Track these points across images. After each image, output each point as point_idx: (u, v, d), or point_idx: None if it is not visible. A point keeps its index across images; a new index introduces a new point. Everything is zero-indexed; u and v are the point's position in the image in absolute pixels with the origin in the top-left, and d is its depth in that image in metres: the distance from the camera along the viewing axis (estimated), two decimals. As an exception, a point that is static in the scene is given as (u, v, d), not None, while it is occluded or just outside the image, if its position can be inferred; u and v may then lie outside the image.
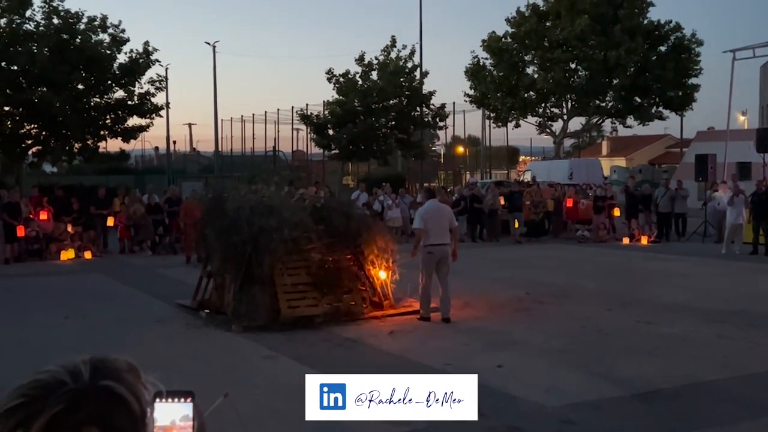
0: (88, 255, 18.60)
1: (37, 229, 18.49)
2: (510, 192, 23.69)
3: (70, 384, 1.11)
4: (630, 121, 40.21)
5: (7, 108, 26.84)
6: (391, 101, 35.85)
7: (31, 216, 18.51)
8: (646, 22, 37.82)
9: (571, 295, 12.56)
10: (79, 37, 27.43)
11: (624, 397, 6.94)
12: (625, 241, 21.31)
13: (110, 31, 28.28)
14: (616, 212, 22.96)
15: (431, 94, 37.11)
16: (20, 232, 17.91)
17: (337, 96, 36.52)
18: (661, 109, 39.40)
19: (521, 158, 61.17)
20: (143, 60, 28.68)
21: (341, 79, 36.22)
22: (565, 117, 40.64)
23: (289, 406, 6.92)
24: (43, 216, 18.66)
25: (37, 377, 1.13)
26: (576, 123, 42.59)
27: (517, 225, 22.63)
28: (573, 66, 38.18)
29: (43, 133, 27.95)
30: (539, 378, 7.60)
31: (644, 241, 20.95)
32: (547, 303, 11.85)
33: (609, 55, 35.66)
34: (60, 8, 27.34)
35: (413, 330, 9.95)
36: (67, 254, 18.31)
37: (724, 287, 13.47)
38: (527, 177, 32.75)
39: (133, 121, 29.78)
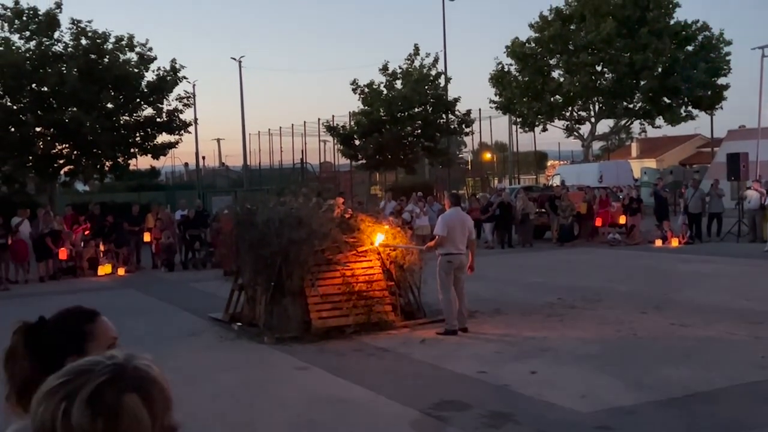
0: (121, 271, 18.83)
1: (71, 247, 18.81)
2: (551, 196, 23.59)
3: (108, 361, 1.22)
4: (659, 121, 39.82)
5: (38, 129, 27.29)
6: (416, 109, 35.89)
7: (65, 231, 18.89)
8: (672, 22, 37.50)
9: (604, 299, 12.44)
10: (107, 56, 27.84)
11: (660, 402, 6.85)
12: (658, 243, 21.09)
13: (137, 49, 28.69)
14: (621, 219, 22.71)
15: (456, 100, 37.11)
16: (62, 255, 18.36)
17: (362, 106, 36.67)
18: (690, 109, 38.99)
19: (549, 162, 60.85)
20: (171, 77, 29.03)
21: (366, 90, 36.36)
22: (593, 120, 40.37)
23: (323, 417, 6.93)
24: (87, 232, 19.32)
25: (74, 364, 1.23)
26: (604, 125, 42.31)
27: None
28: (599, 69, 37.95)
29: (75, 152, 28.36)
30: (573, 384, 7.53)
31: (674, 243, 20.72)
32: (579, 308, 11.74)
33: (636, 58, 35.39)
34: (88, 29, 27.80)
35: (445, 338, 9.91)
36: (105, 269, 18.60)
37: (760, 288, 13.25)
38: (556, 181, 32.55)
39: (162, 138, 30.17)
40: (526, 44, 38.78)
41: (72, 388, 1.16)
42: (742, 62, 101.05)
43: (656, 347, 8.95)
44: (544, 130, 41.90)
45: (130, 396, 1.17)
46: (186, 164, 59.44)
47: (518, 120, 41.84)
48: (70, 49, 27.54)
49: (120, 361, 1.22)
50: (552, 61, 39.02)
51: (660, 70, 36.40)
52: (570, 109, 39.96)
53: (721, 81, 38.11)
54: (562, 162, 53.45)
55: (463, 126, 38.60)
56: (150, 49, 28.98)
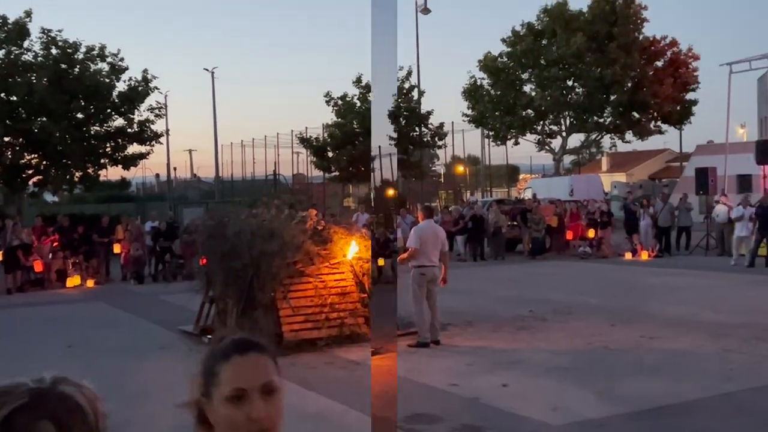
0: (90, 283, 18.60)
1: (39, 259, 18.57)
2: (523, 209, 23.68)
3: (31, 385, 1.14)
4: (629, 136, 40.33)
5: (7, 138, 26.93)
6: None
7: (34, 244, 18.62)
8: (641, 38, 38.04)
9: (574, 311, 12.52)
10: (78, 66, 27.58)
11: (630, 414, 6.90)
12: (628, 256, 21.29)
13: (109, 59, 28.43)
14: (591, 233, 22.81)
15: (429, 113, 37.29)
16: (38, 267, 18.14)
17: (335, 118, 36.69)
18: (659, 123, 39.52)
19: (521, 176, 61.25)
20: (142, 88, 28.79)
21: (339, 102, 36.41)
22: (564, 134, 40.77)
23: (294, 431, 6.88)
24: (55, 244, 19.06)
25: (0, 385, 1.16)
26: (575, 140, 42.77)
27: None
28: (570, 83, 38.37)
29: (44, 162, 28.02)
30: (545, 396, 7.55)
31: (644, 256, 20.94)
32: (550, 320, 11.81)
33: (605, 73, 35.84)
34: (58, 38, 27.51)
35: (417, 351, 9.90)
36: (73, 281, 18.37)
37: (728, 300, 13.42)
38: (528, 194, 32.77)
39: (134, 148, 29.87)
40: (499, 59, 39.13)
41: None
42: (710, 78, 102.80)
43: (627, 360, 9.02)
44: (516, 143, 42.24)
45: (45, 424, 1.10)
46: (157, 175, 58.95)
47: (490, 134, 42.14)
48: (40, 59, 27.23)
49: (43, 386, 1.15)
50: (524, 76, 39.42)
51: (629, 85, 36.90)
52: (541, 123, 40.32)
53: (690, 96, 38.72)
54: (533, 175, 53.80)
55: (436, 139, 38.80)
56: (121, 59, 28.75)
